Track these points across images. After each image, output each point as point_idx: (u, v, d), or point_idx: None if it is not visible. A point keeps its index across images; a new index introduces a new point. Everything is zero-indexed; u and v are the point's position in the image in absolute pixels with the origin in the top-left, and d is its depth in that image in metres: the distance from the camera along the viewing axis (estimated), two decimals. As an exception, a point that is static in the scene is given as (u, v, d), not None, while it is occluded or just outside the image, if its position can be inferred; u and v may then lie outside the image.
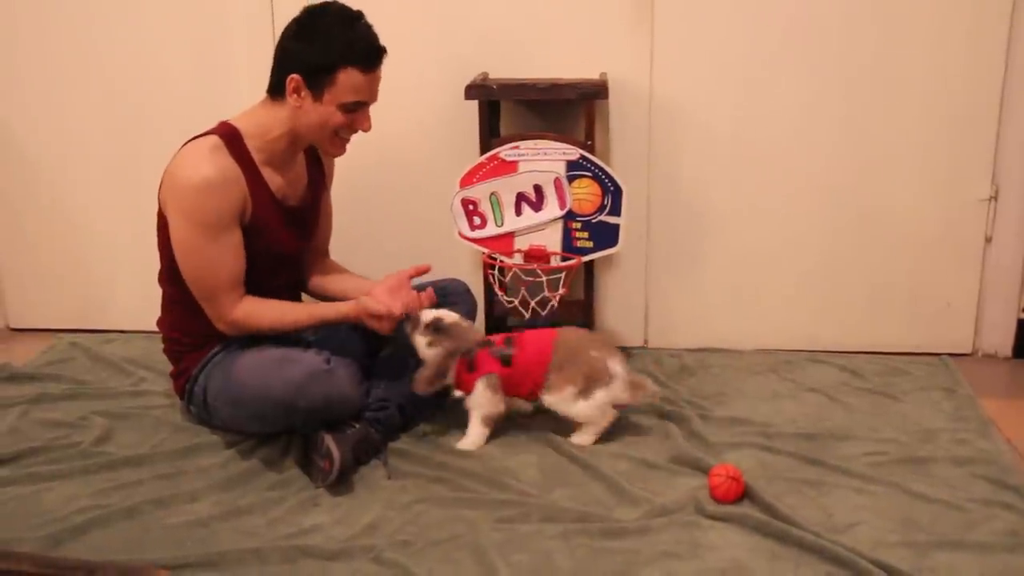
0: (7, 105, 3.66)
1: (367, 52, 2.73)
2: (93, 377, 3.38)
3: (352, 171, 3.40)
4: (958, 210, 3.40)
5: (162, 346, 3.00)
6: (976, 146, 3.34)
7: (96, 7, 3.51)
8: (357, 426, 2.75)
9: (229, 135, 2.75)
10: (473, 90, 3.15)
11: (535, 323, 3.18)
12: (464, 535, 2.42)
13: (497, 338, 2.87)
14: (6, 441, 2.90)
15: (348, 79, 2.71)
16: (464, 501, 2.57)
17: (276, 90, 2.78)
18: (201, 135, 2.76)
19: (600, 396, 2.81)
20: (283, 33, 2.77)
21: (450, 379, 2.84)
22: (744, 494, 2.55)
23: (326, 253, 3.18)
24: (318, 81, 2.71)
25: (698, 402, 3.14)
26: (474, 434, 2.86)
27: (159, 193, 2.77)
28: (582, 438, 2.86)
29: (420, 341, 2.83)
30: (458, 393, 2.86)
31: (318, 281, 3.11)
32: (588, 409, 2.82)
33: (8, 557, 1.02)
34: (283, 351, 2.75)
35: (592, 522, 2.47)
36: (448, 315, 2.86)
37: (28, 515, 2.51)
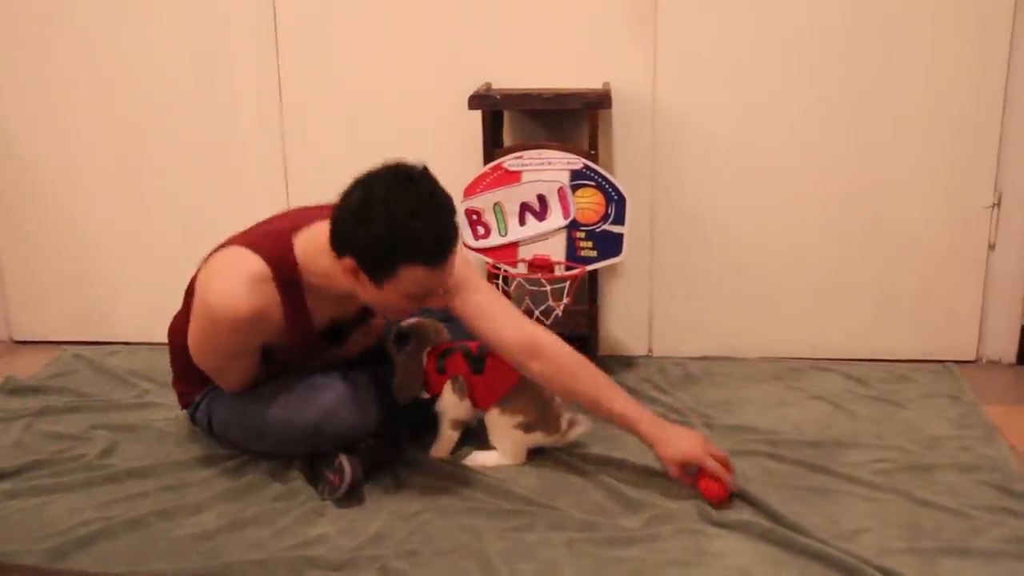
0: (11, 117, 3.67)
1: (437, 248, 2.36)
2: (97, 389, 3.38)
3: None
4: (961, 217, 3.40)
5: (169, 358, 2.91)
6: (979, 153, 3.34)
7: (100, 19, 3.52)
8: (371, 440, 2.71)
9: (282, 263, 2.47)
10: (477, 100, 3.15)
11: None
12: (470, 544, 2.41)
13: (473, 344, 2.84)
14: (10, 454, 2.90)
15: (414, 276, 2.36)
16: (469, 510, 2.57)
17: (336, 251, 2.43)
18: (254, 243, 2.49)
19: (535, 438, 2.79)
20: (337, 203, 2.41)
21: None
22: (730, 493, 2.57)
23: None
24: (376, 273, 2.37)
25: (703, 410, 3.14)
26: (443, 439, 2.84)
27: (193, 282, 2.62)
28: (479, 460, 2.82)
29: (394, 355, 2.83)
30: (426, 395, 2.83)
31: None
32: (517, 444, 2.80)
33: (12, 570, 1.01)
34: (305, 379, 2.68)
35: (597, 531, 2.46)
36: (408, 321, 2.83)
37: (32, 528, 2.51)
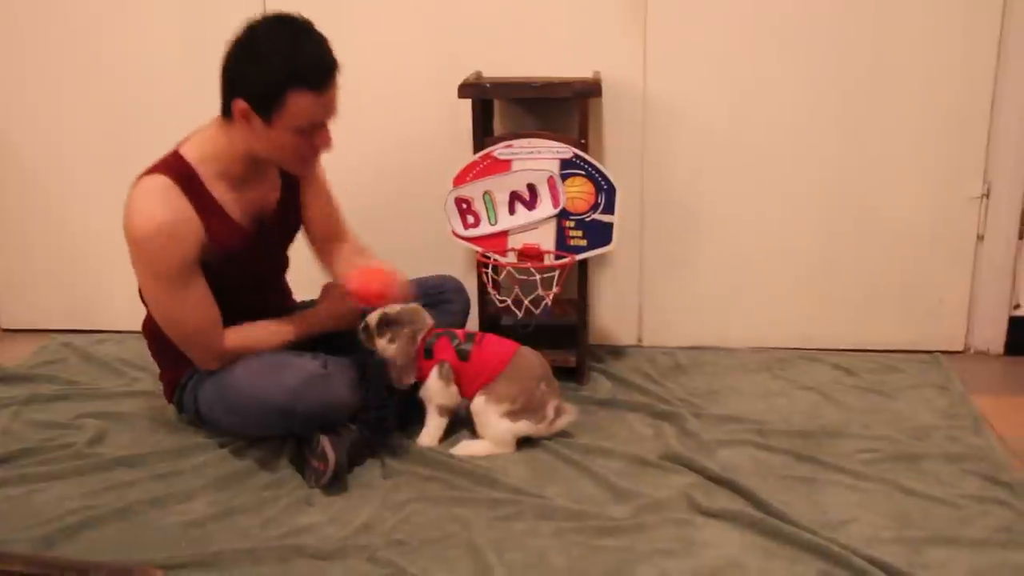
0: (0, 108, 3.67)
1: (317, 72, 2.52)
2: (86, 377, 3.39)
3: (345, 170, 3.41)
4: (950, 208, 3.41)
5: (150, 352, 2.97)
6: (968, 145, 3.35)
7: (90, 10, 3.51)
8: (353, 427, 2.74)
9: (180, 171, 2.61)
10: (466, 89, 3.15)
11: (527, 324, 3.19)
12: (458, 534, 2.43)
13: (460, 332, 2.87)
14: (-1, 442, 2.91)
15: (298, 103, 2.51)
16: (458, 500, 2.58)
17: (227, 112, 2.60)
18: (150, 171, 2.61)
19: (522, 427, 2.80)
20: (226, 53, 2.57)
21: None
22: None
23: (341, 238, 3.07)
24: (266, 107, 2.51)
25: (692, 400, 3.16)
26: (431, 427, 2.86)
27: (124, 235, 2.66)
28: (468, 449, 2.83)
29: (381, 344, 2.82)
30: (412, 380, 2.84)
31: (335, 269, 3.04)
32: (505, 432, 2.80)
33: (2, 558, 1.02)
34: (279, 356, 2.73)
35: (586, 520, 2.48)
36: (391, 307, 2.84)
37: (21, 516, 2.52)
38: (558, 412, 2.85)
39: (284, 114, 2.52)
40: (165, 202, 2.55)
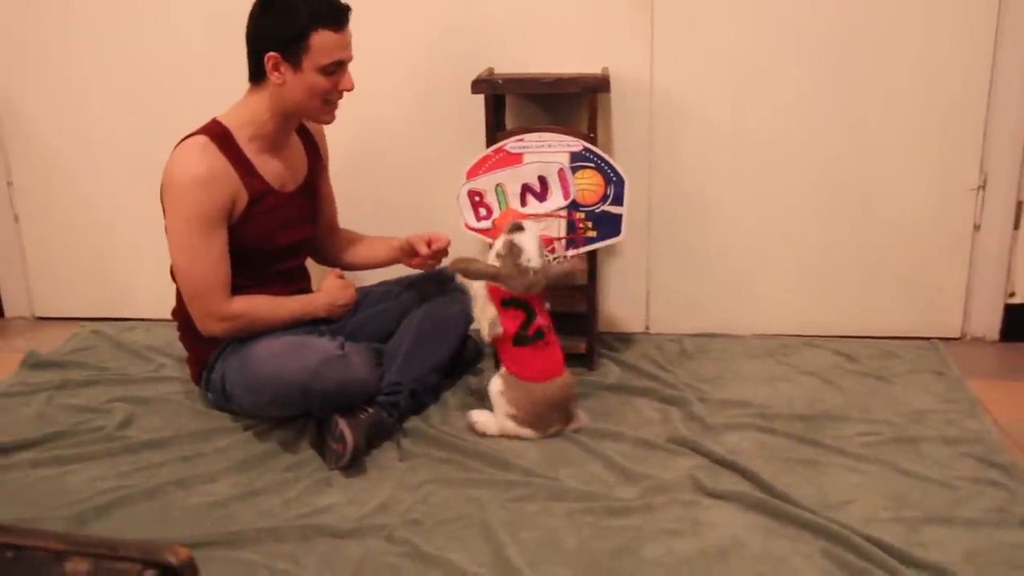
0: (32, 100, 3.71)
1: (332, 11, 2.75)
2: (115, 364, 3.42)
3: (361, 162, 3.48)
4: (948, 199, 3.44)
5: (178, 334, 3.06)
6: (965, 137, 3.37)
7: (121, 5, 3.56)
8: (371, 410, 2.78)
9: (217, 133, 2.81)
10: (480, 84, 3.17)
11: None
12: (473, 514, 2.46)
13: (540, 308, 2.88)
14: (33, 425, 2.95)
15: (322, 41, 2.74)
16: (472, 481, 2.62)
17: (256, 75, 2.84)
18: (191, 135, 2.81)
19: (522, 432, 2.84)
20: (249, 17, 2.80)
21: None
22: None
23: (337, 228, 3.29)
24: (294, 51, 2.74)
25: (697, 385, 3.18)
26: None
27: (160, 199, 2.83)
28: (480, 419, 2.90)
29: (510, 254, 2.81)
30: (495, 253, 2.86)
31: (344, 256, 3.27)
32: (504, 426, 2.85)
33: (35, 535, 1.08)
34: (299, 338, 2.80)
35: (596, 501, 2.51)
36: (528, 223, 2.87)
37: (54, 496, 2.56)
38: (566, 423, 2.89)
39: (311, 55, 2.75)
40: (203, 157, 2.75)
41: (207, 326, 2.84)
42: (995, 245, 3.49)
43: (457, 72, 3.37)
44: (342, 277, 3.12)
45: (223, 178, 2.77)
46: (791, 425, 2.90)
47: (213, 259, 2.78)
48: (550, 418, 2.85)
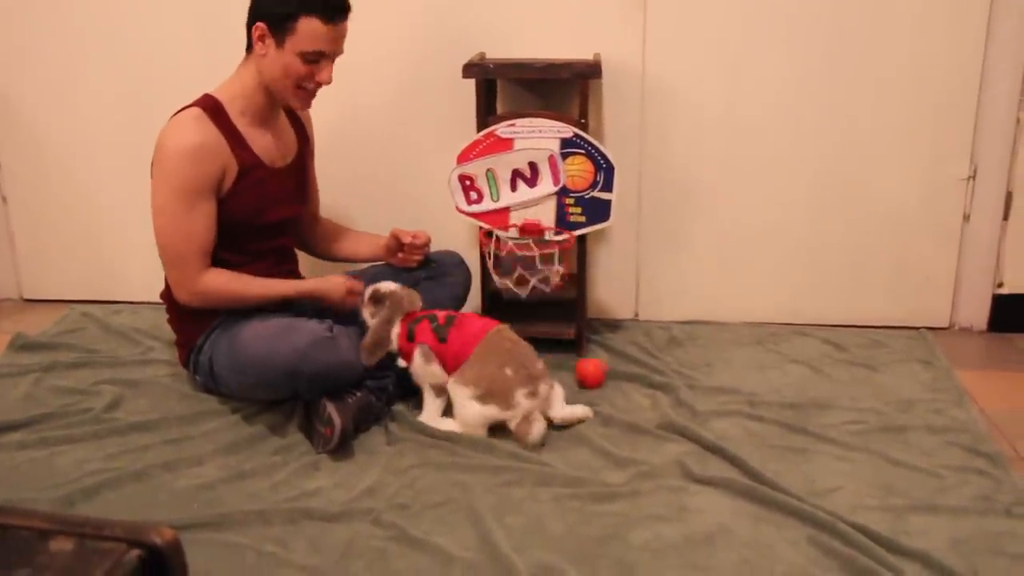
0: (20, 82, 3.70)
1: (328, 4, 2.76)
2: (103, 346, 3.43)
3: (352, 145, 3.48)
4: (938, 189, 3.45)
5: (167, 316, 3.06)
6: (956, 127, 3.38)
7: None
8: (359, 394, 2.79)
9: (210, 106, 2.84)
10: (471, 69, 3.17)
11: (520, 299, 3.26)
12: (460, 499, 2.47)
13: (441, 314, 2.90)
14: (21, 407, 2.95)
15: (308, 28, 2.75)
16: (460, 466, 2.62)
17: (249, 45, 2.86)
18: (185, 108, 2.84)
19: (491, 412, 2.74)
20: None
21: (394, 347, 2.89)
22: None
23: (319, 218, 3.30)
24: (280, 28, 2.76)
25: (686, 372, 3.19)
26: (428, 406, 2.88)
27: (151, 168, 2.84)
28: (436, 422, 2.86)
29: (365, 314, 2.92)
30: (402, 363, 2.89)
31: (326, 247, 3.28)
32: (473, 416, 2.76)
33: (20, 514, 1.08)
34: (287, 320, 2.80)
35: (583, 486, 2.52)
36: (386, 285, 2.94)
37: (42, 477, 2.57)
38: (544, 402, 2.81)
39: (295, 37, 2.76)
40: (196, 127, 2.78)
41: (180, 295, 2.87)
42: (984, 235, 3.50)
43: (448, 56, 3.38)
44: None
45: (215, 149, 2.79)
46: (779, 413, 2.92)
47: (193, 229, 2.79)
48: (506, 378, 2.74)
